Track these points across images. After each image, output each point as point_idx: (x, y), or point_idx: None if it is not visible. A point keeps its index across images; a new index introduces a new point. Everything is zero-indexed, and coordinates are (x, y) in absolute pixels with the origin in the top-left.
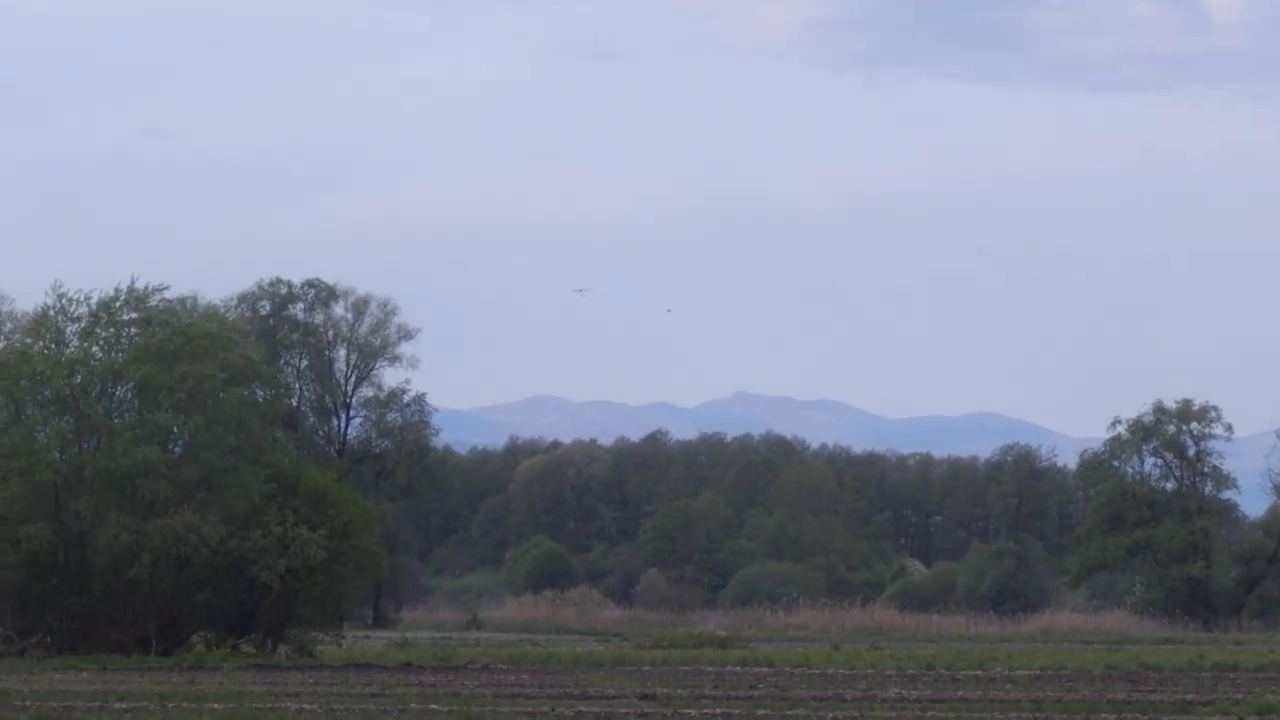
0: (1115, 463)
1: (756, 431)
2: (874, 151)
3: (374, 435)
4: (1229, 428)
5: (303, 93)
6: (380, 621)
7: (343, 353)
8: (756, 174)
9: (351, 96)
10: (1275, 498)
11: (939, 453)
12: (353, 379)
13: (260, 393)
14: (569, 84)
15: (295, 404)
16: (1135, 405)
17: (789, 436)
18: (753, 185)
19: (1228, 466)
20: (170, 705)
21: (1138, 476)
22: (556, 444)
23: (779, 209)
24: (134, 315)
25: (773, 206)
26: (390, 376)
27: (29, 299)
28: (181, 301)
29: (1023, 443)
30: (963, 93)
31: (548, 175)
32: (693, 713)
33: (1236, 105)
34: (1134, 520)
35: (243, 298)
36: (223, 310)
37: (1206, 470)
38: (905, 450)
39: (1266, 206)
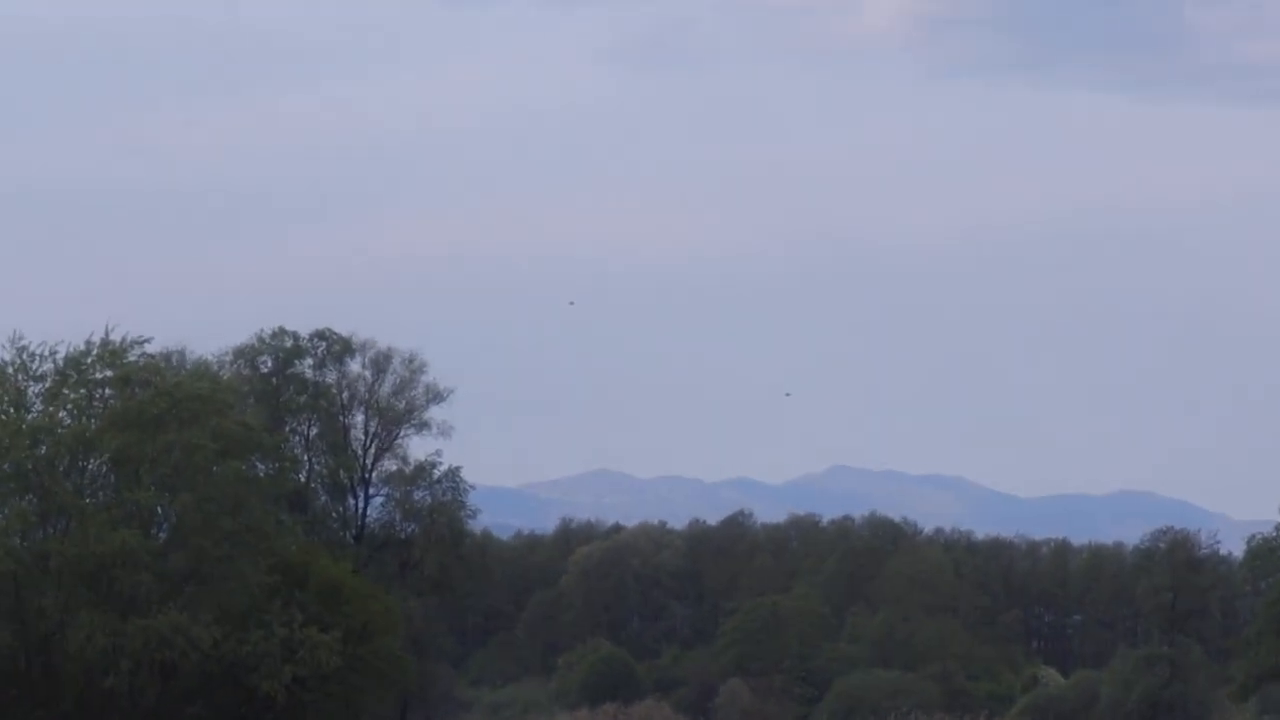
0: None
1: (858, 513)
2: (1000, 177)
3: (398, 517)
4: None
5: (307, 106)
6: None
7: (360, 418)
8: (857, 206)
9: (367, 111)
10: None
11: (1077, 538)
12: (373, 450)
13: (261, 466)
14: (627, 96)
15: (303, 480)
16: None
17: (897, 519)
18: (852, 221)
19: None
20: None
21: None
22: (618, 527)
23: (884, 249)
24: (109, 373)
25: (876, 246)
26: (418, 447)
27: None
28: (166, 357)
29: (1178, 527)
30: (1107, 103)
31: (604, 207)
32: None
33: None
34: None
35: (239, 352)
36: (216, 367)
37: None
38: (1037, 535)
39: None
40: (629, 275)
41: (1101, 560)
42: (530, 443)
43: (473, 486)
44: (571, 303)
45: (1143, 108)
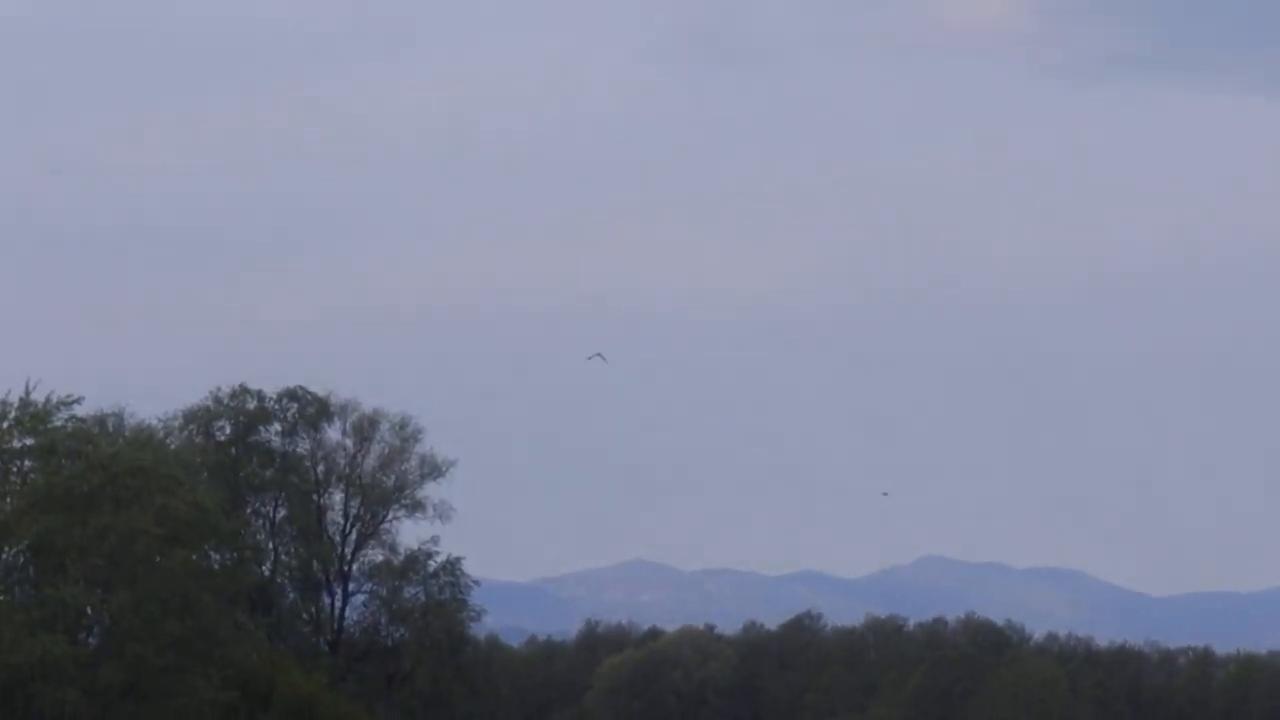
0: None
1: (951, 614)
2: (1116, 202)
3: (384, 619)
4: None
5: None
6: None
7: (339, 497)
8: (955, 234)
9: (344, 122)
10: None
11: (1223, 646)
12: (354, 536)
13: (216, 556)
14: (672, 98)
15: (268, 573)
16: None
17: (1000, 621)
18: (949, 256)
19: None
20: None
21: None
22: (656, 632)
23: (977, 290)
24: (29, 441)
25: (965, 288)
26: (409, 533)
27: None
28: (101, 420)
29: None
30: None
31: (647, 238)
32: None
33: None
34: None
35: (191, 415)
36: (162, 434)
37: None
38: (1172, 642)
39: None
40: (671, 321)
41: (1254, 673)
42: (548, 528)
43: (476, 582)
44: (598, 355)
45: None
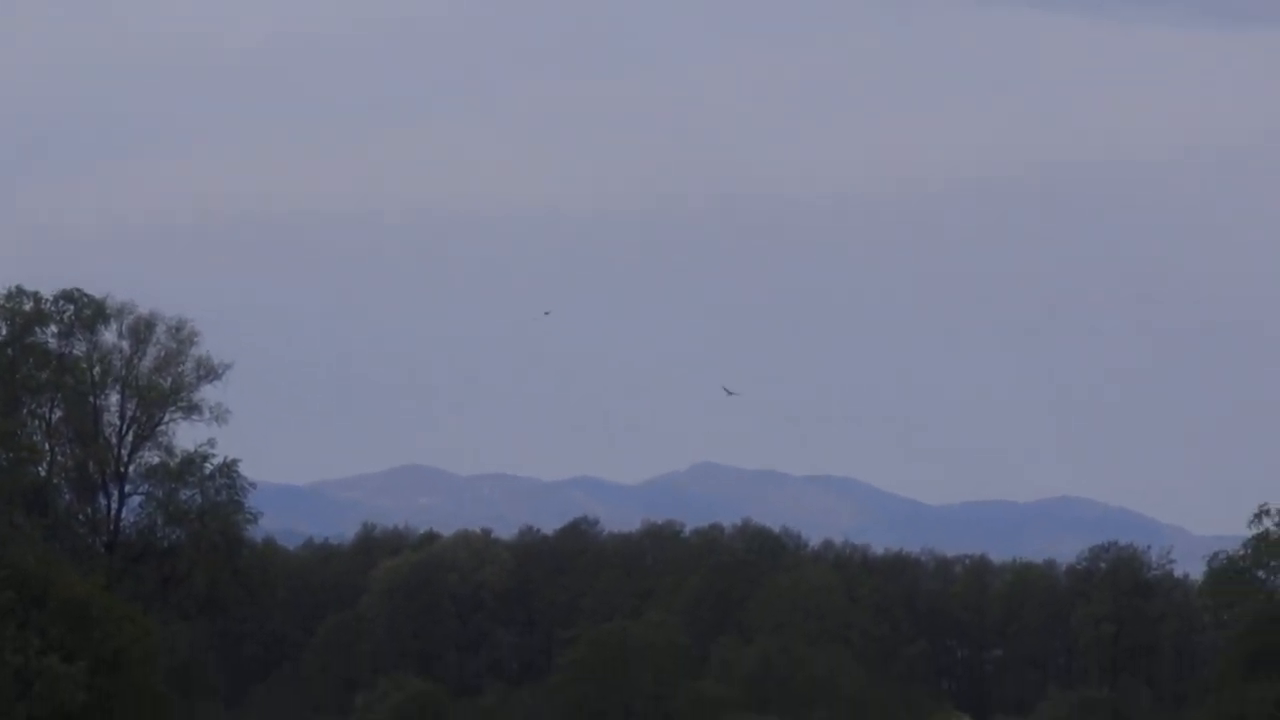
0: (1261, 572)
1: (728, 520)
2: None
3: (160, 521)
4: None
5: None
6: None
7: (116, 399)
8: (743, 152)
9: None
10: None
11: (999, 554)
12: (130, 438)
13: None
14: (449, 8)
15: (44, 475)
16: None
17: (776, 528)
18: (732, 166)
19: None
20: None
21: None
22: (432, 536)
23: (754, 203)
24: None
25: (743, 201)
26: (186, 435)
27: None
28: None
29: (1123, 542)
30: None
31: (441, 148)
32: None
33: None
34: None
35: None
36: None
37: None
38: (949, 550)
39: None
40: (449, 229)
41: (1028, 582)
42: (325, 432)
43: (253, 484)
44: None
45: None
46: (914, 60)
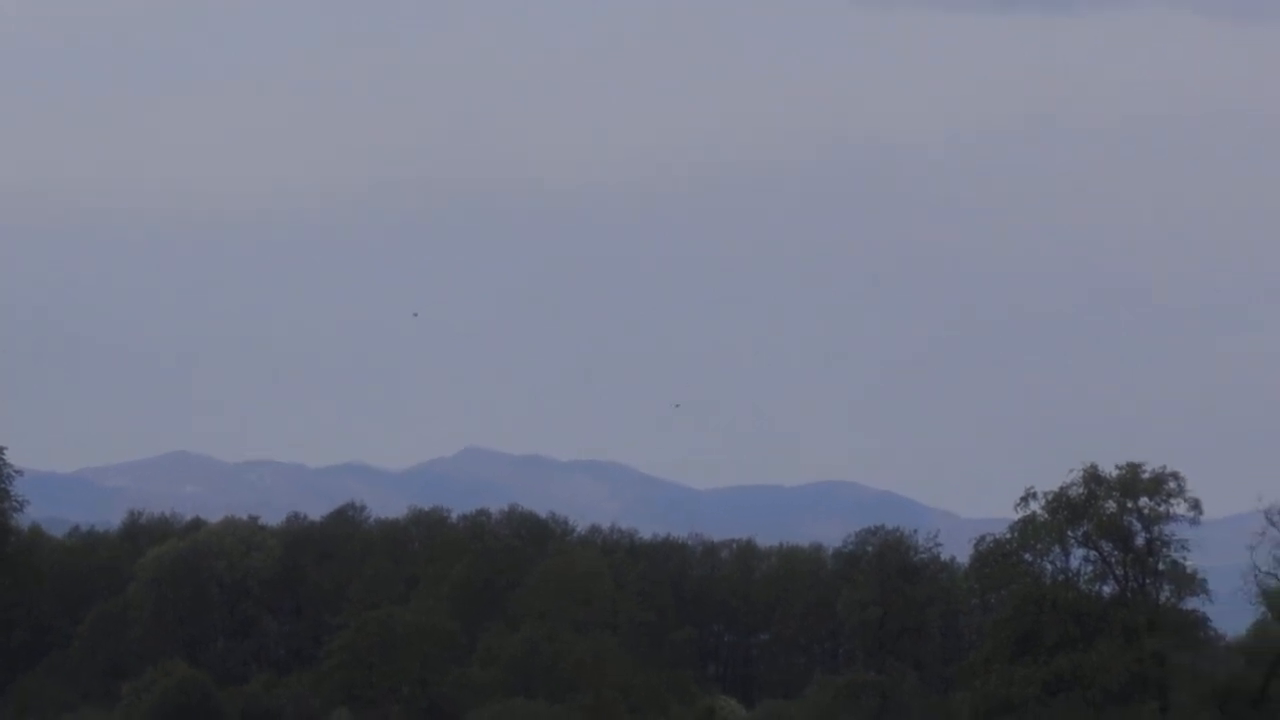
0: (1027, 555)
1: (495, 505)
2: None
3: None
4: (1196, 505)
5: None
6: None
7: None
8: (506, 143)
9: None
10: (1264, 609)
11: (765, 539)
12: None
13: None
14: None
15: None
16: (1056, 471)
17: (543, 514)
18: (483, 152)
19: (1193, 562)
20: None
21: (1060, 576)
22: (199, 523)
23: (537, 185)
24: None
25: (528, 184)
26: None
27: None
28: None
29: (889, 526)
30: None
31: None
32: None
33: None
34: (1055, 641)
35: None
36: None
37: (1162, 567)
38: (715, 534)
39: None
40: (212, 218)
41: (795, 566)
42: (91, 419)
43: (18, 471)
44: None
45: None
46: (681, 39)
